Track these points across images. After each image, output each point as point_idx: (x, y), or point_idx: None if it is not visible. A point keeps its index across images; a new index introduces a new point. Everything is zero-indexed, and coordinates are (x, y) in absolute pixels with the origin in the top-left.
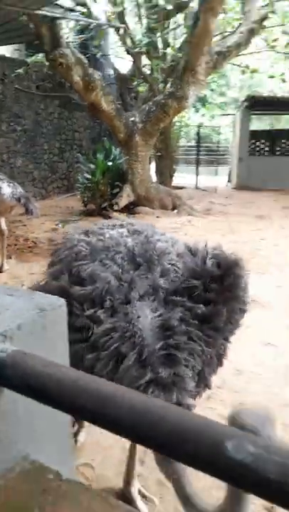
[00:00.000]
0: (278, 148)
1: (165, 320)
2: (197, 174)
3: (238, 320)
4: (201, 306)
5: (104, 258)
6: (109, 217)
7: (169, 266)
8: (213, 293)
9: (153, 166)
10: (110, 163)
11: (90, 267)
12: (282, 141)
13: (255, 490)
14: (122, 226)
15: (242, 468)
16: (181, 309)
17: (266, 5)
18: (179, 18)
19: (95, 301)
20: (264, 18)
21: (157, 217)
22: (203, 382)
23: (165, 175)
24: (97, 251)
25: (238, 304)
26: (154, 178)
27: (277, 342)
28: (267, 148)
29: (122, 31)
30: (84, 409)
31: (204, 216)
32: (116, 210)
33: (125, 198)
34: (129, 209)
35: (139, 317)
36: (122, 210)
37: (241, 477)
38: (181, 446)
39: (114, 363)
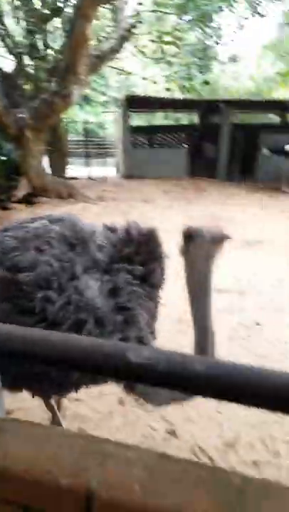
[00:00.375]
0: (155, 142)
1: (113, 284)
2: (88, 166)
3: (163, 276)
4: (139, 267)
5: (39, 245)
6: (8, 209)
7: (100, 242)
8: (143, 255)
9: (46, 159)
10: (4, 158)
11: (27, 255)
12: (158, 135)
13: (150, 381)
14: (41, 218)
15: (140, 367)
16: (123, 273)
17: (134, 15)
18: (57, 21)
19: (42, 284)
20: (133, 26)
21: (55, 206)
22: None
23: (58, 167)
24: (27, 241)
25: (161, 262)
26: (49, 171)
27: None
28: (146, 142)
29: (1, 32)
30: (19, 353)
31: (98, 203)
32: (14, 202)
33: (22, 189)
34: (28, 200)
35: (87, 288)
36: (20, 201)
37: (140, 374)
38: (97, 362)
39: (76, 332)
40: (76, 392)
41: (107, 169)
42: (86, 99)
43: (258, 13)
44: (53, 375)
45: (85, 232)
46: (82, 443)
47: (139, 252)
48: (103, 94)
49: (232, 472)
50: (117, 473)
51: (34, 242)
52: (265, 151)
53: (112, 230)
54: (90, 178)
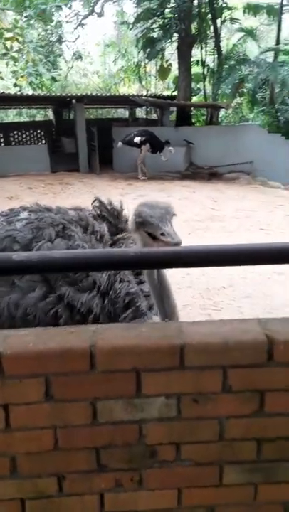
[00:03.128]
0: (12, 139)
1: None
2: None
3: None
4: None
5: (59, 231)
6: None
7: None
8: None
9: None
10: None
11: (59, 243)
12: (14, 132)
13: (27, 271)
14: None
15: (20, 263)
16: (126, 242)
17: None
18: None
19: None
20: None
21: None
22: None
23: None
24: (42, 229)
25: None
26: None
27: None
28: (2, 140)
29: None
30: None
31: None
32: None
33: None
34: None
35: None
36: None
37: (21, 269)
38: None
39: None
40: None
41: None
42: None
43: (95, 12)
44: None
45: (83, 214)
46: None
47: (124, 222)
48: None
49: None
50: (15, 342)
51: (50, 229)
52: (119, 143)
53: (81, 209)
54: None
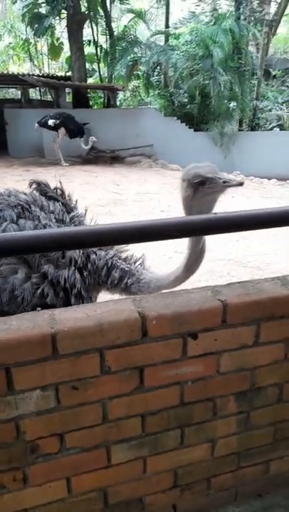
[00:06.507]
0: None
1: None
2: None
3: None
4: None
5: (20, 212)
6: None
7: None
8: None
9: None
10: None
11: (25, 224)
12: None
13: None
14: None
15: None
16: (79, 220)
17: None
18: None
19: None
20: None
21: None
22: None
23: None
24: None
25: None
26: None
27: None
28: None
29: None
30: None
31: None
32: None
33: None
34: None
35: None
36: None
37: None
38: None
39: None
40: None
41: None
42: None
43: None
44: None
45: (35, 195)
46: None
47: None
48: None
49: None
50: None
51: (10, 211)
52: (36, 125)
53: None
54: None
